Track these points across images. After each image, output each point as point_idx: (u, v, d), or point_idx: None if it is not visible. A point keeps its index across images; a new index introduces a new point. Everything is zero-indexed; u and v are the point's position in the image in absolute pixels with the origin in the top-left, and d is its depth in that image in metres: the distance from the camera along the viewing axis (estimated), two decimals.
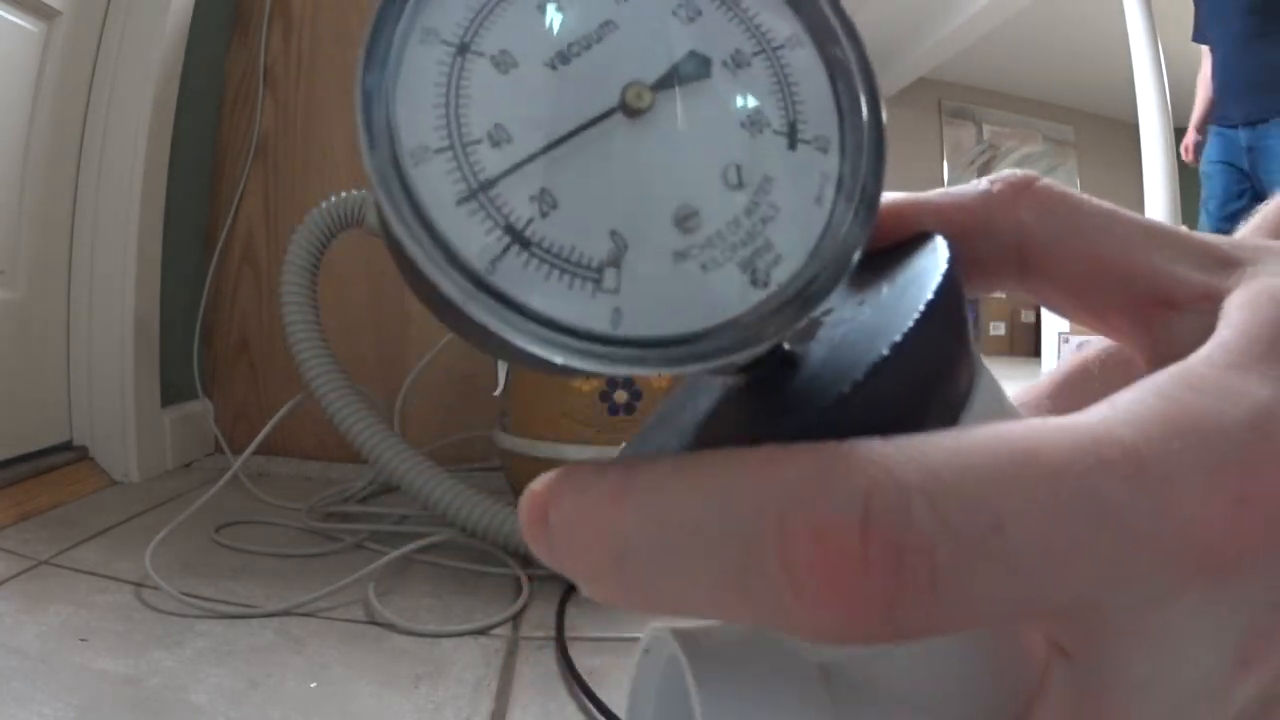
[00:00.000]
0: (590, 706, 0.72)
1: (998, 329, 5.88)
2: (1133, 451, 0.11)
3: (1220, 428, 0.11)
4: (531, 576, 0.98)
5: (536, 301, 0.13)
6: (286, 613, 0.87)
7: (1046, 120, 6.08)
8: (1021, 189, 0.17)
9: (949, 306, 0.14)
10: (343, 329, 1.37)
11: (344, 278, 1.46)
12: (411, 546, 1.02)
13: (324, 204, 1.17)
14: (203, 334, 1.57)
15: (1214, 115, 2.55)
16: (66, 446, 1.34)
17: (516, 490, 1.16)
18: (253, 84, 1.58)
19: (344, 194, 1.18)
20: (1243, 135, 2.43)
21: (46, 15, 1.26)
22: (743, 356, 0.14)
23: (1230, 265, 0.16)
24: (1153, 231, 0.16)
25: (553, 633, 0.86)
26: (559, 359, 0.13)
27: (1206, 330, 0.14)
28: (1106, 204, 0.17)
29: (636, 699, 0.18)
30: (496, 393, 1.19)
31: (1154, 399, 0.12)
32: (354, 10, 1.57)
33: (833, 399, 0.13)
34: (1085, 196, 0.17)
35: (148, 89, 1.36)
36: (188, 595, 0.87)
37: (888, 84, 5.46)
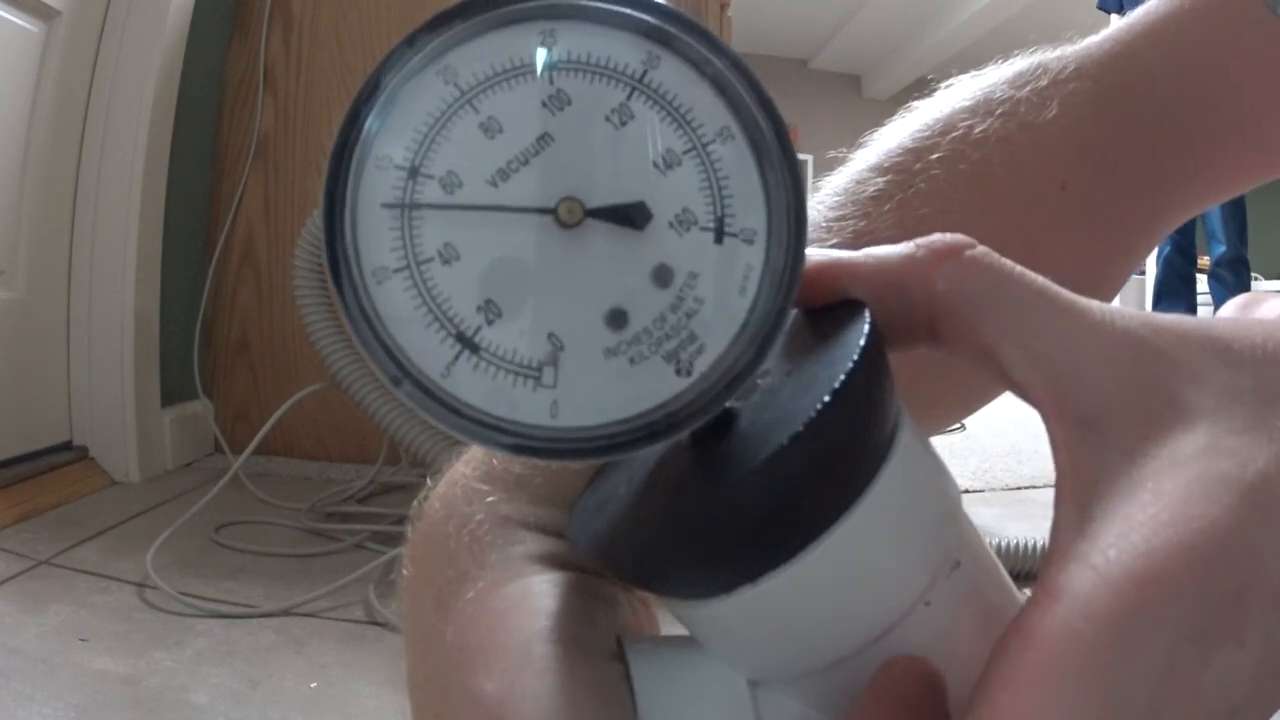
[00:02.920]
0: None
1: None
2: None
3: None
4: None
5: (482, 401, 0.15)
6: (286, 613, 0.86)
7: None
8: (945, 255, 0.16)
9: (854, 393, 0.14)
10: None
11: None
12: None
13: None
14: (203, 334, 1.57)
15: None
16: (66, 446, 1.34)
17: None
18: (253, 84, 1.58)
19: None
20: None
21: (46, 15, 1.26)
22: (670, 438, 0.15)
23: (1182, 384, 0.14)
24: (1076, 327, 0.15)
25: None
26: (501, 452, 0.15)
27: (1119, 474, 0.13)
28: (1040, 283, 0.16)
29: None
30: None
31: (1013, 686, 0.12)
32: (354, 10, 1.57)
33: (741, 475, 0.14)
34: (1019, 272, 0.16)
35: (148, 89, 1.36)
36: (188, 595, 0.87)
37: (888, 84, 5.47)
